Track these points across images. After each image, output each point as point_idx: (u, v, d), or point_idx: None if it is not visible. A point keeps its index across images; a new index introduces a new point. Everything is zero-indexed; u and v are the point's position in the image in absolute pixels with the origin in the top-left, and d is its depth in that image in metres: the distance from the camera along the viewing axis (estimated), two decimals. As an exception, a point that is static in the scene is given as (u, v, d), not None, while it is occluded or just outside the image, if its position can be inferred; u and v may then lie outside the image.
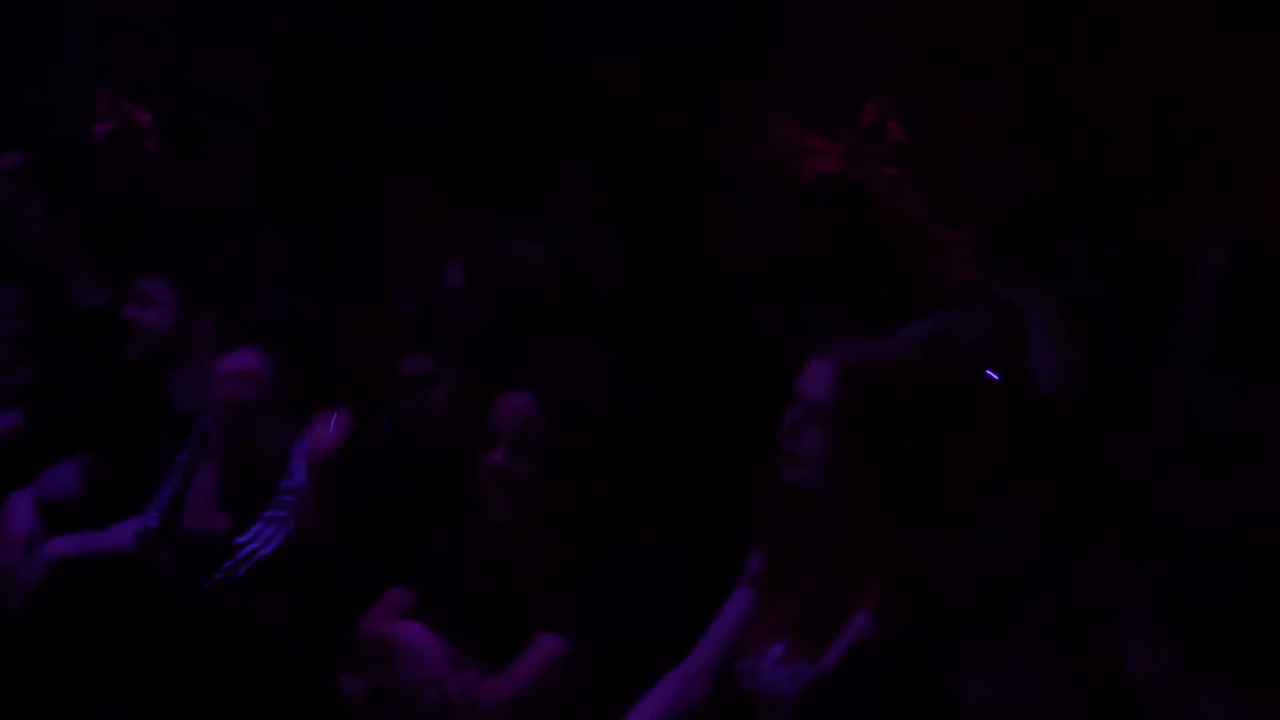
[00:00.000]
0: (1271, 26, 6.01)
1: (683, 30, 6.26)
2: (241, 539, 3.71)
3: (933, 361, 3.33)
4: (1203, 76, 5.74)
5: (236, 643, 3.55)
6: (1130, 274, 4.09)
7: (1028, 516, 2.48)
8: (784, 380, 2.96)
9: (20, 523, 3.88)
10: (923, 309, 4.14)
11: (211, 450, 3.89)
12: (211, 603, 3.67)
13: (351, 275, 4.67)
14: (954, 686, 2.41)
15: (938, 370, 3.19)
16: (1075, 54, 6.05)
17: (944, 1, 6.37)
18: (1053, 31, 6.10)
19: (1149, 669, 2.09)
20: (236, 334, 3.96)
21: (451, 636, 3.21)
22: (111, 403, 4.17)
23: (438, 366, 3.56)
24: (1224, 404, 3.16)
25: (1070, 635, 2.37)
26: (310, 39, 6.15)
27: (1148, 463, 3.28)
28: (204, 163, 5.85)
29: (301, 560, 3.69)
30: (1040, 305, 3.81)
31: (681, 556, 3.26)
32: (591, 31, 6.21)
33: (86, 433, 4.15)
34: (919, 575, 2.57)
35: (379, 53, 6.12)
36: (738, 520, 3.16)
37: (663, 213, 4.86)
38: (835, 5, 6.59)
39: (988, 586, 2.40)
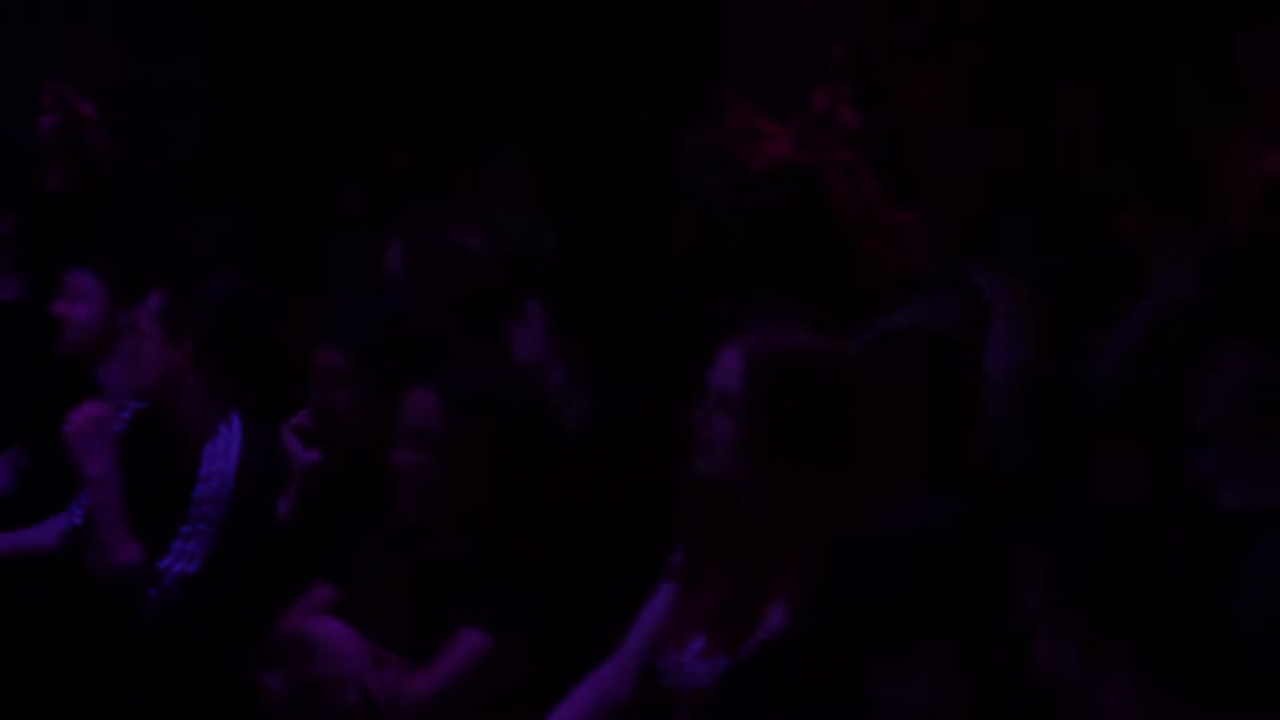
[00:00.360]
0: (1228, 8, 6.04)
1: (638, 16, 6.23)
2: (162, 563, 3.66)
3: (852, 349, 3.30)
4: (1158, 60, 5.77)
5: (158, 641, 3.54)
6: (1078, 265, 4.09)
7: (947, 513, 2.47)
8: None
9: None
10: (870, 294, 4.14)
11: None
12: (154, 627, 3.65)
13: (292, 267, 4.65)
14: (867, 686, 2.41)
15: (852, 358, 3.15)
16: (1026, 38, 6.05)
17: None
18: (1003, 15, 6.10)
19: (1052, 659, 2.10)
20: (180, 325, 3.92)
21: (373, 633, 3.20)
22: (38, 397, 4.13)
23: (348, 364, 3.54)
24: (1143, 403, 3.15)
25: (980, 633, 2.39)
26: (249, 25, 6.11)
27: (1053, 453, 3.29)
28: (144, 155, 5.83)
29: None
30: (1009, 294, 3.81)
31: (604, 551, 3.26)
32: (540, 15, 6.16)
33: (13, 428, 4.13)
34: (831, 570, 2.51)
35: (320, 41, 6.11)
36: (669, 514, 3.13)
37: (608, 202, 4.86)
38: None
39: (901, 585, 2.40)
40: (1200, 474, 2.62)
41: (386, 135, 5.73)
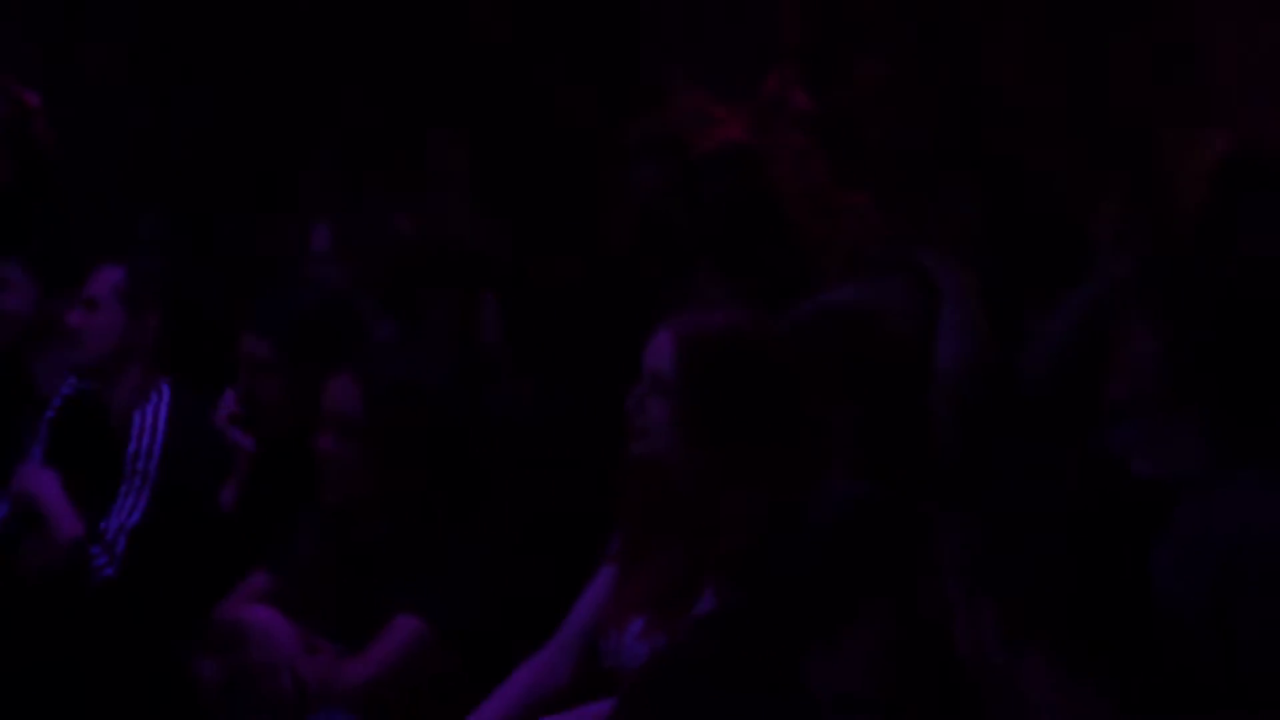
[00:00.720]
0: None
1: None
2: (104, 523, 3.68)
3: (783, 329, 3.25)
4: (1104, 40, 5.77)
5: (90, 629, 3.54)
6: (1024, 249, 4.10)
7: (869, 497, 2.49)
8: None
9: None
10: (813, 277, 4.14)
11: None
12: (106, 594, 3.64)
13: (234, 251, 4.64)
14: (796, 667, 2.42)
15: (783, 338, 3.14)
16: (972, 18, 6.08)
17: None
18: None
19: (972, 641, 2.10)
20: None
21: (308, 620, 3.21)
22: None
23: (271, 352, 3.55)
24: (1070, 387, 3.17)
25: (904, 616, 2.41)
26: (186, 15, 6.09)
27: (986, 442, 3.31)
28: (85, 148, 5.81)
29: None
30: (957, 279, 3.81)
31: (541, 536, 3.28)
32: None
33: None
34: (757, 551, 2.53)
35: (256, 29, 6.07)
36: (604, 499, 3.15)
37: (545, 188, 4.86)
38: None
39: (823, 566, 2.41)
40: (1116, 448, 2.63)
41: (324, 124, 5.71)
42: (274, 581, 3.35)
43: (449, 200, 4.51)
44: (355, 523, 3.30)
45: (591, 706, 2.83)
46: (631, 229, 4.49)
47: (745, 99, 6.18)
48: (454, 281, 3.89)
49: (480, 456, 3.30)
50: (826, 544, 2.41)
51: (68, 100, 5.73)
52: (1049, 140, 5.33)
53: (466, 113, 5.60)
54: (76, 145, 5.48)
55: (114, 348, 3.84)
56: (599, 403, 3.37)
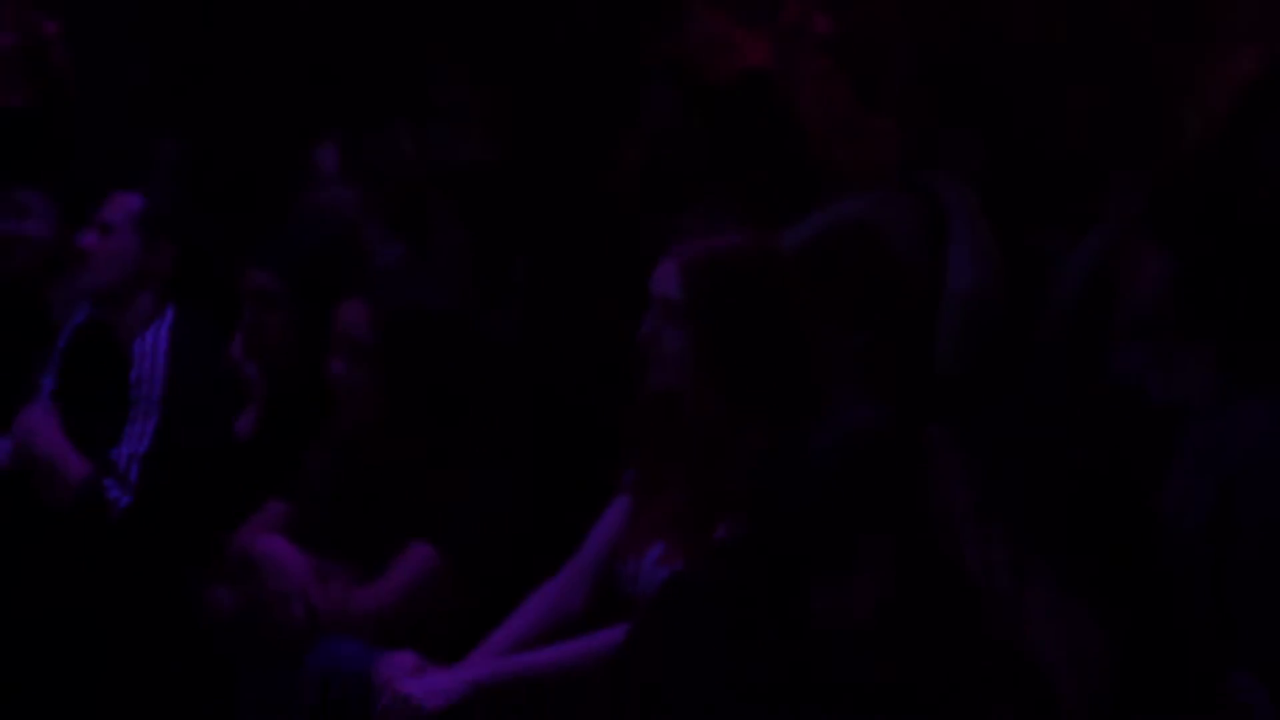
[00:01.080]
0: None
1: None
2: (114, 452, 3.71)
3: (807, 248, 3.32)
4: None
5: (110, 560, 3.56)
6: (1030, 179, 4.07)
7: (874, 421, 2.51)
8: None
9: None
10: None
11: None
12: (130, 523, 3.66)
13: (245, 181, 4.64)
14: (807, 598, 2.44)
15: (790, 257, 3.17)
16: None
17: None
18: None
19: (981, 568, 2.12)
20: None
21: (322, 548, 3.23)
22: None
23: (278, 287, 3.55)
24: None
25: (910, 541, 2.42)
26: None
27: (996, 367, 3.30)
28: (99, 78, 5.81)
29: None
30: (964, 198, 3.80)
31: (551, 464, 3.29)
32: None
33: None
34: (766, 479, 2.55)
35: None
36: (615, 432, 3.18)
37: (558, 114, 4.83)
38: None
39: (830, 494, 2.42)
40: (1126, 373, 2.63)
41: (335, 54, 5.67)
42: (288, 510, 3.36)
43: (453, 127, 4.47)
44: (367, 450, 3.31)
45: (606, 632, 2.83)
46: (642, 154, 4.45)
47: (766, 22, 6.15)
48: (460, 203, 3.88)
49: (491, 381, 3.31)
50: (829, 477, 2.44)
51: (83, 27, 5.74)
52: (1058, 69, 5.31)
53: (468, 39, 5.55)
54: (93, 72, 5.49)
55: (127, 274, 3.85)
56: (608, 332, 3.37)
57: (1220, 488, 2.40)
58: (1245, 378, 2.53)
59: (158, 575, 3.45)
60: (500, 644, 2.93)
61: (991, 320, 3.50)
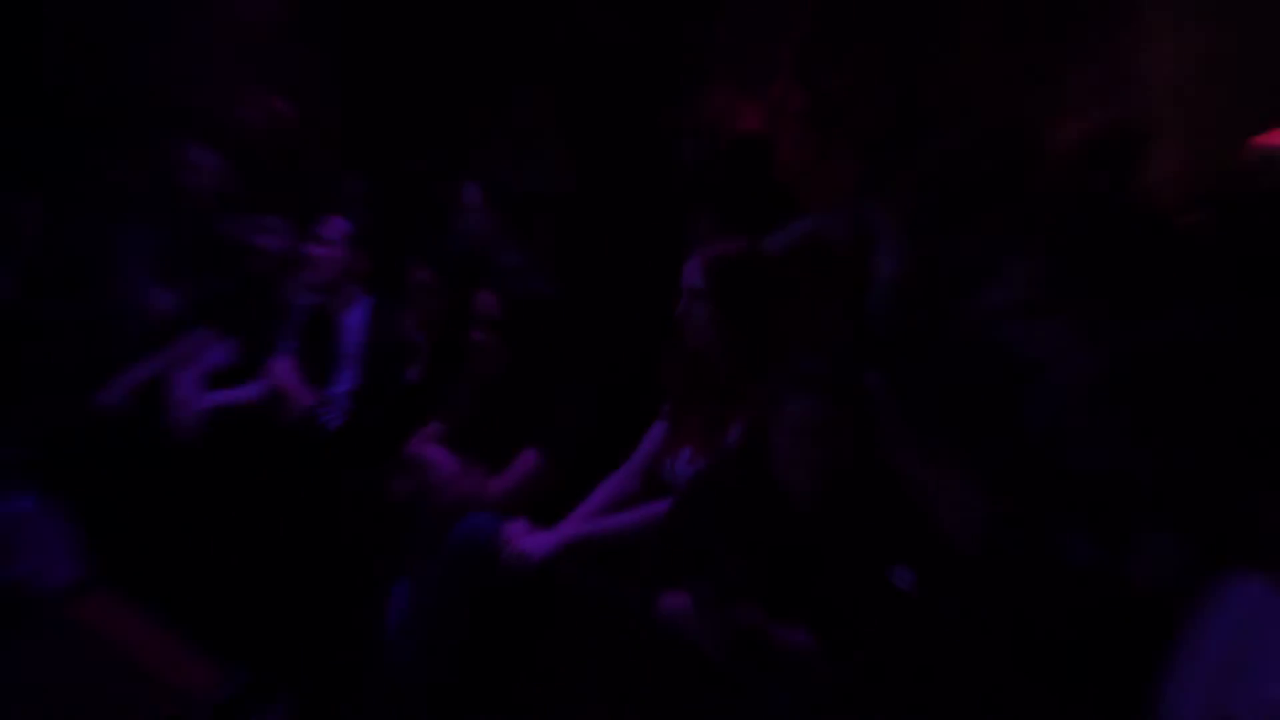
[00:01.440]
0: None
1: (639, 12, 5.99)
2: (330, 390, 3.71)
3: (785, 251, 3.30)
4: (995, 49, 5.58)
5: (323, 459, 3.57)
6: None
7: (831, 369, 2.48)
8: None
9: (186, 386, 3.88)
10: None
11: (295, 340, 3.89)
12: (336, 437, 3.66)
13: (413, 208, 4.58)
14: (779, 487, 2.46)
15: (781, 259, 3.15)
16: (913, 34, 5.88)
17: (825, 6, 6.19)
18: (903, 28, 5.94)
19: (901, 455, 2.18)
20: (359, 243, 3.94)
21: (465, 453, 3.25)
22: (245, 306, 4.16)
23: (437, 281, 3.54)
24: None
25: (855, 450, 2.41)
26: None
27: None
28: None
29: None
30: (887, 216, 3.78)
31: (615, 399, 3.25)
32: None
33: (230, 325, 4.14)
34: (765, 408, 2.55)
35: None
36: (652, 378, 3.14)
37: (615, 154, 4.72)
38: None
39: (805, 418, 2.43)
40: (1005, 339, 2.62)
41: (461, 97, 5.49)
42: (443, 429, 3.37)
43: (540, 157, 4.39)
44: (495, 388, 3.31)
45: (652, 506, 2.85)
46: (674, 191, 4.40)
47: (759, 97, 6.07)
48: (549, 223, 3.88)
49: (575, 344, 3.30)
50: (796, 408, 2.43)
51: (301, 98, 5.70)
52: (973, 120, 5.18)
53: (560, 93, 5.43)
54: (307, 130, 5.49)
55: (337, 273, 3.84)
56: (655, 309, 3.31)
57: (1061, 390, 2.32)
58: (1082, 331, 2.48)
59: (356, 472, 3.44)
60: (582, 514, 2.96)
61: (906, 300, 3.50)
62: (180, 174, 4.50)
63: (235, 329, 4.05)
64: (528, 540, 2.82)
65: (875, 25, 5.96)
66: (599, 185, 4.31)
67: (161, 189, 4.53)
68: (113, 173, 4.56)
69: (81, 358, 4.04)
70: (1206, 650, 1.61)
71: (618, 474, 3.01)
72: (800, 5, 6.24)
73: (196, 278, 4.30)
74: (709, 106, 5.89)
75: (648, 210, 4.12)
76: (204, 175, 4.47)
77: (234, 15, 5.55)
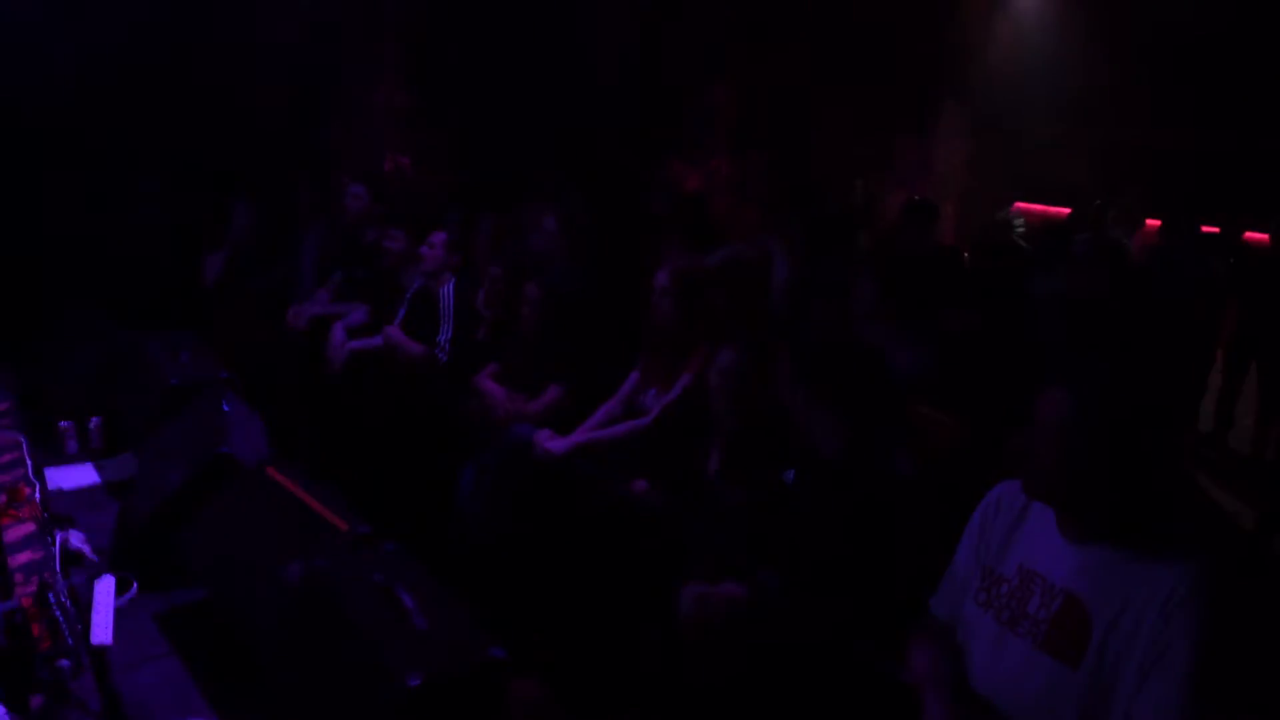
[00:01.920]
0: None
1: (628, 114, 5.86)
2: (438, 338, 3.54)
3: (718, 266, 3.25)
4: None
5: (435, 389, 3.39)
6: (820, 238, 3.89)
7: (748, 344, 2.39)
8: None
9: (338, 335, 3.75)
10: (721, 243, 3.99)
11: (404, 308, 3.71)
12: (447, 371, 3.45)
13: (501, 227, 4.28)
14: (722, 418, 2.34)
15: (716, 270, 3.10)
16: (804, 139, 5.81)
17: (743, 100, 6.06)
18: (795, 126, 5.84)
19: (793, 401, 2.01)
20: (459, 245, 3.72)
21: (512, 386, 3.16)
22: (377, 284, 3.98)
23: (501, 275, 3.41)
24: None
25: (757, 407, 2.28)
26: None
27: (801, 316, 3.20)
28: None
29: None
30: (780, 246, 3.71)
31: (608, 355, 3.11)
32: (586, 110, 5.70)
33: (368, 297, 3.96)
34: (706, 365, 2.50)
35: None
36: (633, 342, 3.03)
37: (612, 203, 4.62)
38: (704, 106, 6.22)
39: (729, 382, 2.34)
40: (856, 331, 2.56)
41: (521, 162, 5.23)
42: (498, 369, 3.26)
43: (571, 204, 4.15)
44: (532, 344, 3.19)
45: (636, 421, 2.77)
46: (651, 226, 4.30)
47: (701, 169, 5.98)
48: (583, 248, 3.76)
49: (590, 318, 3.19)
50: (726, 359, 2.34)
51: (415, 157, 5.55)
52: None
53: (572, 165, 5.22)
54: (421, 177, 5.34)
55: (439, 266, 3.64)
56: (639, 299, 3.21)
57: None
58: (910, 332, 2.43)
59: (450, 398, 3.27)
60: (587, 427, 2.86)
61: (794, 296, 3.43)
62: (342, 199, 4.40)
63: (370, 300, 3.93)
64: (552, 443, 2.75)
65: (777, 124, 5.92)
66: (607, 222, 4.22)
67: (331, 208, 4.46)
68: (303, 194, 4.52)
69: (272, 313, 3.99)
70: (982, 528, 1.52)
71: (609, 402, 2.92)
72: (728, 110, 6.17)
73: (347, 266, 4.19)
74: (671, 174, 5.83)
75: (635, 238, 4.07)
76: (357, 201, 4.39)
77: (383, 103, 5.50)
